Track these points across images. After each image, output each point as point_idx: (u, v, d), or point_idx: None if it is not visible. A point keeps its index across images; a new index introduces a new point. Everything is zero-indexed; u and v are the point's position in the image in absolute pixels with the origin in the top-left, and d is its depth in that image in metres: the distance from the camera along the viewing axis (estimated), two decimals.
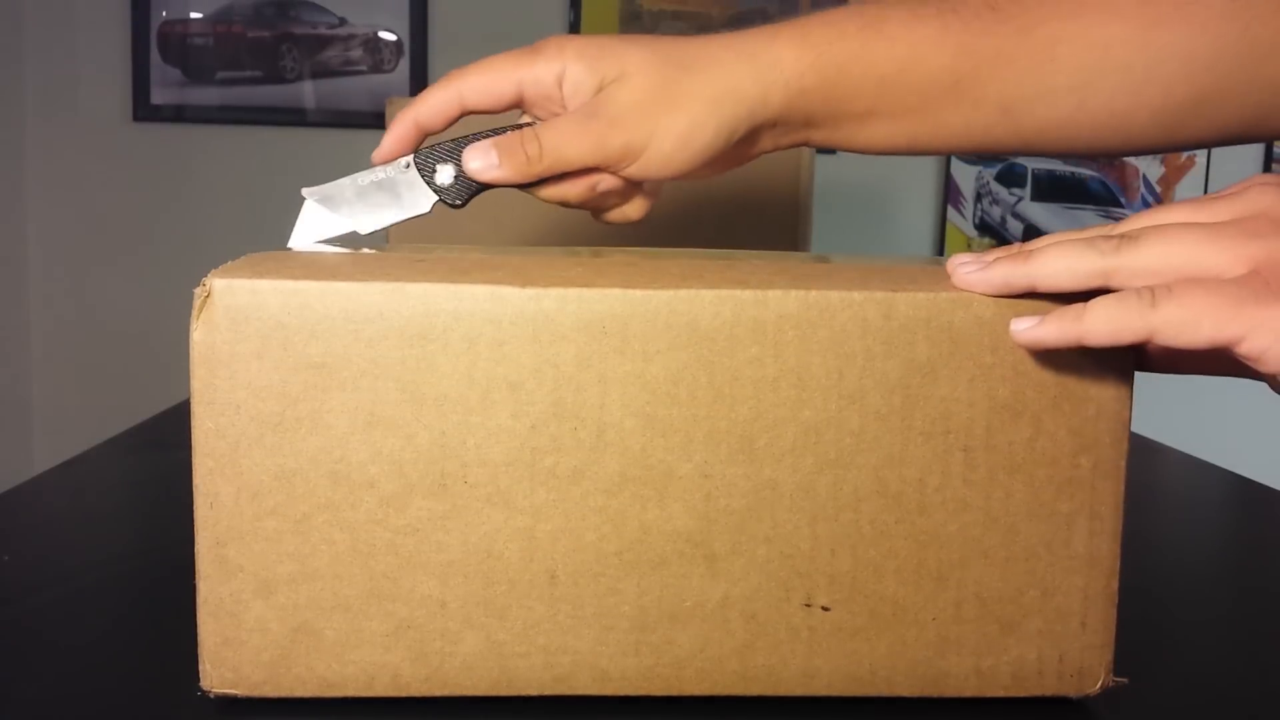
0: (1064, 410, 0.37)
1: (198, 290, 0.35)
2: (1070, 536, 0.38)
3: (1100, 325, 0.33)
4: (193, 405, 0.36)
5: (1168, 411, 2.24)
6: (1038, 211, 2.28)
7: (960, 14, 0.44)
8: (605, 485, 0.37)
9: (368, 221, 0.45)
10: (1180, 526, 0.68)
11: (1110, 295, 0.33)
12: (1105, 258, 0.34)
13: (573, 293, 0.36)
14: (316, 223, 0.45)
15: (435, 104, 0.45)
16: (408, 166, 0.45)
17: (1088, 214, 2.24)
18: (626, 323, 0.36)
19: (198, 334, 0.35)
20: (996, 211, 2.29)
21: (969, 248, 2.26)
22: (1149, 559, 0.59)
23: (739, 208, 1.12)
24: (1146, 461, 0.86)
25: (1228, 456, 0.96)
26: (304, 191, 0.45)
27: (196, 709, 0.38)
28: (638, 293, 0.36)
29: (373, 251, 0.44)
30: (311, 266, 0.37)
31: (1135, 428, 0.95)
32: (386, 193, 0.45)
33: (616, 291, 0.36)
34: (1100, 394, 0.37)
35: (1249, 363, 0.32)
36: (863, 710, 0.39)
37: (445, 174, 0.45)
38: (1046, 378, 0.37)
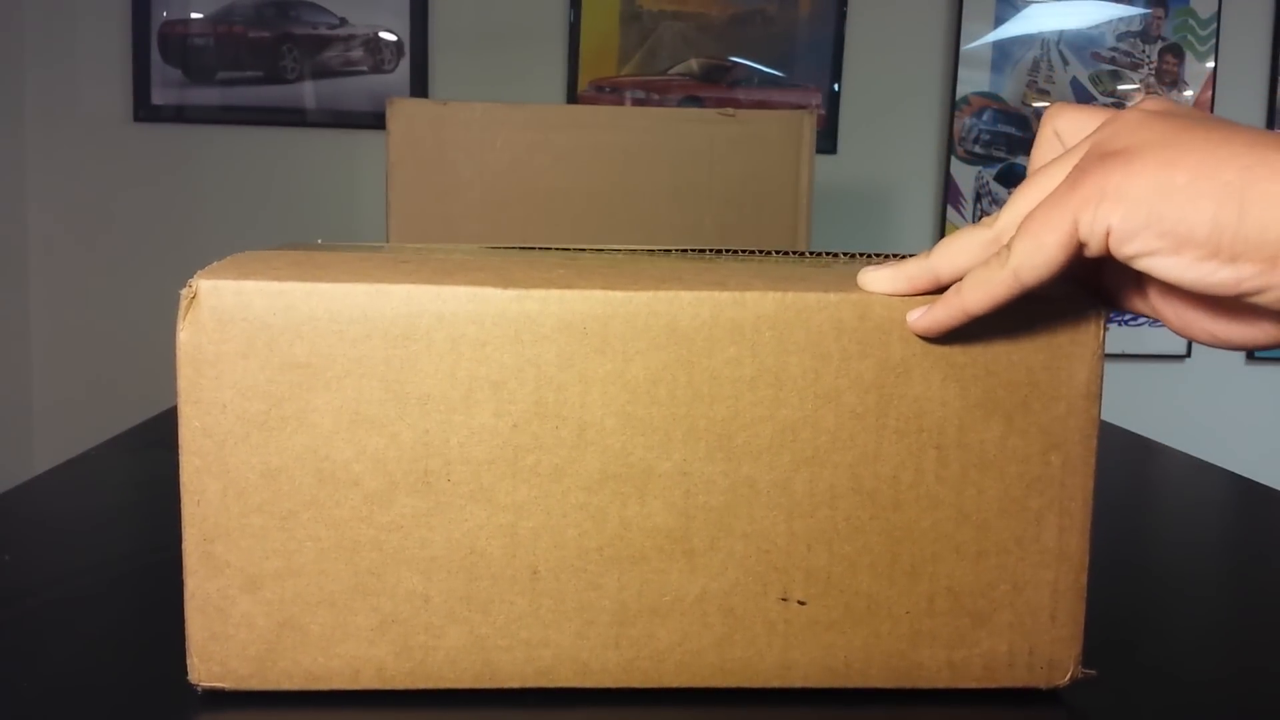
0: (1034, 409, 0.38)
1: (184, 291, 0.36)
2: (1040, 532, 0.39)
3: (975, 292, 0.34)
4: (179, 405, 0.37)
5: (1168, 411, 2.24)
6: None
7: None
8: (586, 483, 0.38)
9: None
10: (1180, 526, 0.68)
11: (979, 265, 0.34)
12: (990, 228, 0.35)
13: (554, 294, 0.37)
14: None
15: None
16: None
17: None
18: (607, 323, 0.37)
19: (184, 334, 0.36)
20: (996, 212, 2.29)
21: None
22: (1148, 559, 0.59)
23: (739, 208, 1.13)
24: (1146, 461, 0.87)
25: (1228, 456, 0.96)
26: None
27: (199, 708, 0.38)
28: (618, 294, 0.37)
29: (363, 249, 0.45)
30: (297, 267, 0.38)
31: (1134, 428, 0.95)
32: None
33: (597, 293, 0.37)
34: (1070, 393, 0.38)
35: (1113, 251, 0.31)
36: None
37: None
38: (1017, 377, 0.38)
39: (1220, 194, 0.29)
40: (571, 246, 0.49)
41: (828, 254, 0.48)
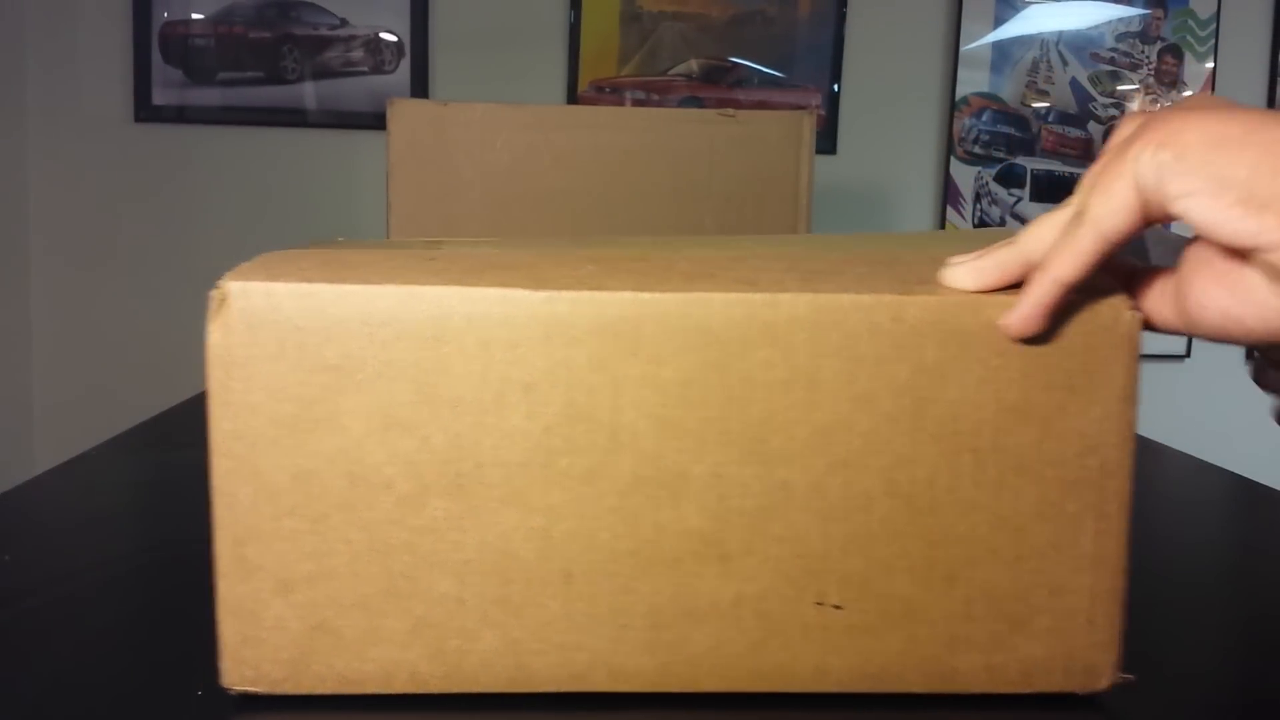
0: (1071, 412, 0.38)
1: (213, 293, 0.36)
2: (1078, 536, 0.38)
3: (1063, 259, 0.35)
4: (210, 407, 0.36)
5: (1168, 412, 2.25)
6: (1036, 212, 2.28)
7: None
8: (619, 486, 0.37)
9: None
10: (1180, 526, 0.68)
11: (1058, 237, 0.35)
12: (1069, 206, 0.36)
13: (586, 295, 0.36)
14: None
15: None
16: None
17: None
18: (639, 325, 0.36)
19: (214, 336, 0.36)
20: (995, 212, 2.30)
21: None
22: (1149, 559, 0.59)
23: (739, 208, 1.13)
24: (1147, 461, 0.87)
25: (1228, 456, 0.96)
26: None
27: (199, 708, 0.38)
28: (650, 295, 0.36)
29: (389, 245, 0.44)
30: (325, 268, 0.38)
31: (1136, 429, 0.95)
32: None
33: (629, 294, 0.36)
34: (1107, 396, 0.38)
35: (1161, 189, 0.32)
36: (873, 706, 0.39)
37: None
38: (1054, 380, 0.37)
39: (1265, 147, 0.31)
40: (597, 237, 0.48)
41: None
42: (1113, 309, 0.37)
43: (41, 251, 1.96)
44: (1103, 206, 0.33)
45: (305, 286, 0.36)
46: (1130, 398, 0.38)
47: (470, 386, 0.36)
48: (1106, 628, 0.39)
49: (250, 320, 0.36)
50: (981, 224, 2.30)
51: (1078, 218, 0.34)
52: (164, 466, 0.73)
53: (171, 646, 0.43)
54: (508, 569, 0.37)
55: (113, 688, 0.39)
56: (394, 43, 1.99)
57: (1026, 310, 0.36)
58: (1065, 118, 2.27)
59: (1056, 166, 2.29)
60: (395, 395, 0.36)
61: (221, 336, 0.36)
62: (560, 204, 1.09)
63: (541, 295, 0.36)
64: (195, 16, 1.93)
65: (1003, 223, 2.30)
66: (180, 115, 1.94)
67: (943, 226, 2.29)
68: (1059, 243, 0.35)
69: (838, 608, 0.38)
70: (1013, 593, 0.38)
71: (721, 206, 1.13)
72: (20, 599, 0.47)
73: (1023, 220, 2.29)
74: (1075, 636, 0.39)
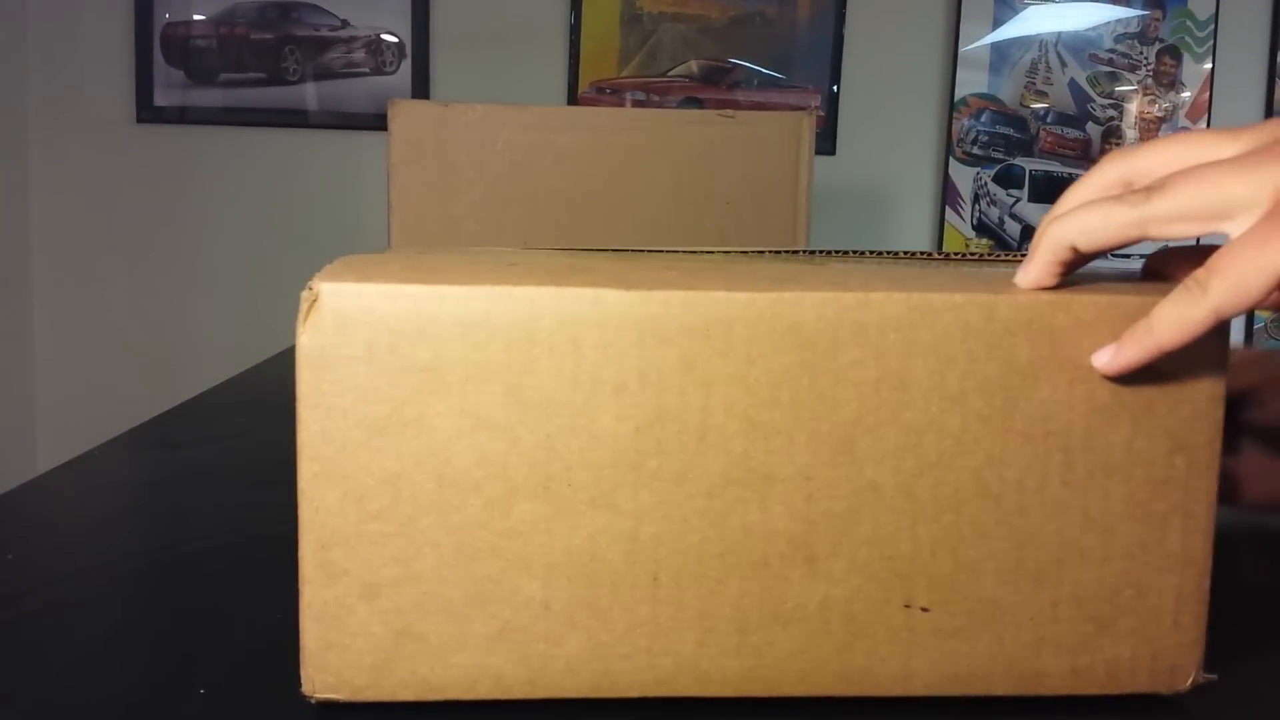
0: (1160, 411, 0.38)
1: (304, 294, 0.35)
2: (1165, 536, 0.38)
3: (1169, 328, 0.34)
4: (298, 409, 0.36)
5: None
6: (1035, 213, 2.30)
7: None
8: (708, 488, 0.37)
9: None
10: None
11: (1167, 299, 0.35)
12: (1137, 209, 0.35)
13: (677, 295, 0.36)
14: None
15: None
16: None
17: None
18: (731, 326, 0.36)
19: (305, 338, 0.35)
20: (994, 212, 2.31)
21: (966, 247, 2.28)
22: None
23: (739, 208, 1.13)
24: None
25: None
26: None
27: (200, 709, 0.37)
28: (742, 295, 0.36)
29: (459, 252, 0.44)
30: (412, 270, 0.37)
31: None
32: None
33: (721, 294, 0.36)
34: (1195, 395, 0.38)
35: None
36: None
37: None
38: (1144, 379, 0.37)
39: None
40: (659, 248, 0.48)
41: (924, 253, 0.48)
42: None
43: (43, 252, 1.94)
44: (1230, 298, 0.33)
45: (398, 287, 0.35)
46: (1218, 396, 0.38)
47: (560, 388, 0.36)
48: (1191, 627, 0.39)
49: (341, 321, 0.35)
50: (980, 225, 2.31)
51: (1193, 292, 0.34)
52: (166, 466, 0.72)
53: (174, 646, 0.42)
54: (595, 572, 0.37)
55: (115, 687, 0.39)
56: (395, 44, 1.99)
57: (1122, 364, 0.36)
58: (1064, 119, 2.28)
59: (1055, 167, 2.30)
60: (486, 396, 0.36)
61: (312, 338, 0.35)
62: (560, 205, 1.09)
63: (634, 295, 0.36)
64: (197, 17, 1.92)
65: (1001, 223, 2.31)
66: (182, 116, 1.93)
67: (941, 227, 2.29)
68: (1170, 312, 0.34)
69: (925, 610, 0.38)
70: (1100, 593, 0.38)
71: (721, 207, 1.13)
72: (22, 598, 0.47)
73: (1021, 221, 2.30)
74: (1161, 637, 0.39)
